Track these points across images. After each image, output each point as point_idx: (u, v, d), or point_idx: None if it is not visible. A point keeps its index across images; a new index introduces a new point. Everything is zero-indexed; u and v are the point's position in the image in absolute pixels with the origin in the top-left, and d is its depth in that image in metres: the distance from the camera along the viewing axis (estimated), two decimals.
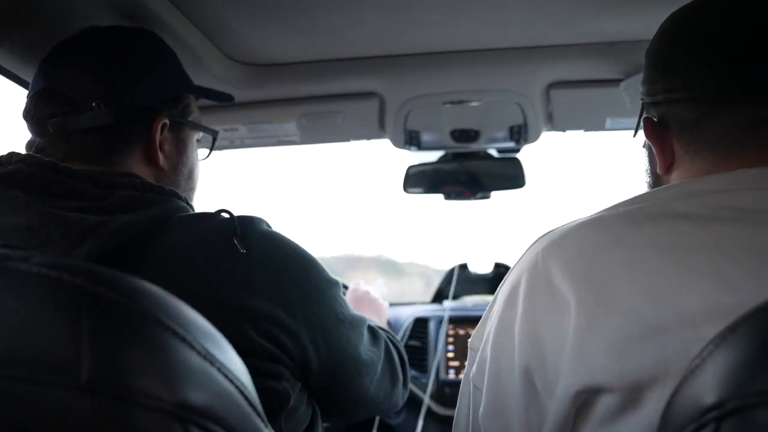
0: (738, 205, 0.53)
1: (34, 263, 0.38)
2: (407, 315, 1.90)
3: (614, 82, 1.27)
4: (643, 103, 0.71)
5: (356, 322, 0.83)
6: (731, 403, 0.34)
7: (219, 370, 0.41)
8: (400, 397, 0.98)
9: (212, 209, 0.74)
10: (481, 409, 0.63)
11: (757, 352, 0.34)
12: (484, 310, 1.89)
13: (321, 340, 0.75)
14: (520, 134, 1.48)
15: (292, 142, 1.54)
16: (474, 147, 1.59)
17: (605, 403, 0.51)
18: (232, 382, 0.42)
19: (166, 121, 0.82)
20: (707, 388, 0.36)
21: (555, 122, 1.44)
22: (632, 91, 1.26)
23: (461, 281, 2.07)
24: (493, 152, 1.67)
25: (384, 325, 1.29)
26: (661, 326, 0.48)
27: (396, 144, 1.52)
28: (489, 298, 2.06)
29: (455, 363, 1.75)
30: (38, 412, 0.35)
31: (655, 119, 0.67)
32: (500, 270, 2.09)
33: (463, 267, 2.08)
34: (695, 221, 0.53)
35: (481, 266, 2.09)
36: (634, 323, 0.50)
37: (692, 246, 0.51)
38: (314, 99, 1.37)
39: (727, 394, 0.34)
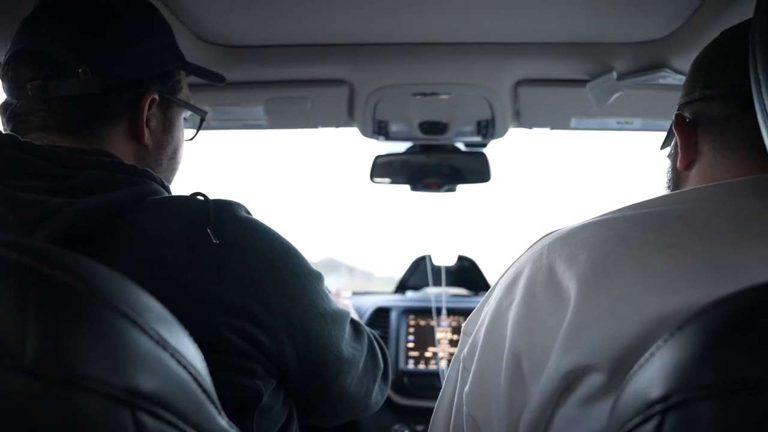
0: (740, 213, 0.55)
1: None
2: (369, 304, 1.91)
3: (581, 82, 1.29)
4: (678, 110, 0.72)
5: (339, 316, 0.78)
6: (676, 397, 0.35)
7: (172, 355, 0.40)
8: (382, 393, 0.93)
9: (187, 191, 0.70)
10: (467, 387, 0.65)
11: (702, 348, 0.35)
12: (446, 302, 1.90)
13: (300, 336, 0.71)
14: (488, 129, 1.49)
15: (260, 126, 1.52)
16: (442, 140, 1.60)
17: (590, 382, 0.52)
18: (185, 368, 0.41)
19: (156, 96, 0.76)
20: (654, 382, 0.37)
21: (522, 119, 1.45)
22: (598, 93, 1.28)
23: (424, 273, 2.09)
24: (461, 146, 1.68)
25: None
26: (656, 317, 0.49)
27: (364, 133, 1.51)
28: (451, 290, 2.09)
29: (415, 353, 1.76)
30: None
31: (688, 119, 0.68)
32: (463, 263, 2.11)
33: (426, 258, 2.10)
34: (696, 227, 0.55)
35: (445, 258, 2.11)
36: (630, 310, 0.51)
37: (691, 249, 0.53)
38: (283, 83, 1.36)
39: (672, 388, 0.35)
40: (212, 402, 0.44)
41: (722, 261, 0.51)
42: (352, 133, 1.55)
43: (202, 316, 0.62)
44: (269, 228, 0.72)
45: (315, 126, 1.53)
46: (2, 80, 0.72)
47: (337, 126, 1.53)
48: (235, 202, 0.70)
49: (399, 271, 2.16)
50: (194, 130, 0.92)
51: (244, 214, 0.70)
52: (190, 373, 0.41)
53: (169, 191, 0.73)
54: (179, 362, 0.40)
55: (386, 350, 0.95)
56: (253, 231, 0.69)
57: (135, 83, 0.74)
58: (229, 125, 1.50)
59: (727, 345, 0.35)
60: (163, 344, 0.40)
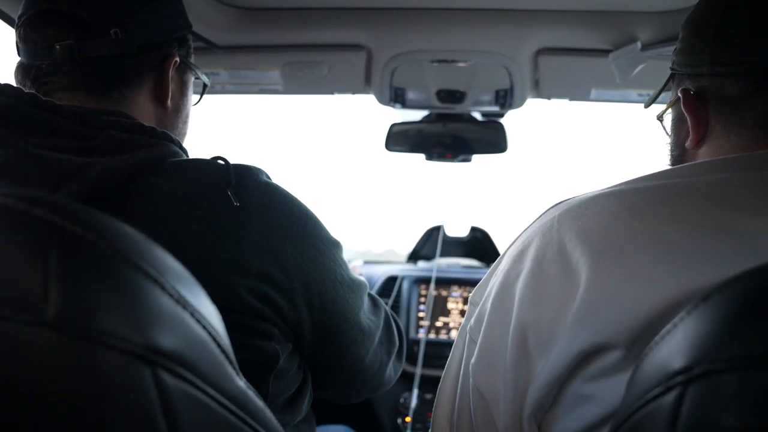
0: (759, 185, 0.53)
1: (0, 193, 0.37)
2: (380, 273, 1.92)
3: (603, 52, 1.26)
4: (673, 74, 0.70)
5: (357, 286, 0.78)
6: (699, 368, 0.35)
7: (192, 315, 0.40)
8: (395, 371, 0.91)
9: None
10: (473, 359, 0.65)
11: (726, 320, 0.35)
12: (457, 272, 1.90)
13: (317, 302, 0.71)
14: (506, 99, 1.47)
15: (276, 91, 1.51)
16: (459, 109, 1.58)
17: (606, 359, 0.52)
18: (204, 327, 0.41)
19: (177, 59, 0.77)
20: (676, 353, 0.37)
21: (541, 89, 1.43)
22: (621, 63, 1.25)
23: (436, 243, 2.09)
24: (478, 116, 1.66)
25: None
26: (677, 295, 0.48)
27: (381, 100, 1.49)
28: (463, 260, 2.10)
29: (425, 323, 1.77)
30: (2, 347, 0.34)
31: (692, 92, 0.65)
32: (476, 234, 2.11)
33: (439, 229, 2.09)
34: (716, 201, 0.53)
35: (458, 229, 2.10)
36: (649, 288, 0.50)
37: (712, 223, 0.51)
38: (300, 48, 1.34)
39: (694, 359, 0.35)
40: (230, 362, 0.44)
41: (746, 235, 0.49)
42: (368, 100, 1.54)
43: (221, 277, 0.62)
44: (289, 193, 0.71)
45: (331, 92, 1.52)
46: (22, 41, 0.71)
47: (354, 92, 1.51)
48: (255, 167, 0.70)
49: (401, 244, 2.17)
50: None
51: (264, 178, 0.70)
52: (209, 333, 0.42)
53: (186, 153, 0.73)
54: (198, 321, 0.41)
55: (401, 328, 0.94)
56: (273, 196, 0.69)
57: (162, 45, 0.75)
58: (245, 89, 1.49)
59: (752, 318, 0.34)
60: (183, 303, 0.40)
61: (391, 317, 0.91)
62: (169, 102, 0.77)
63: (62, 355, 0.34)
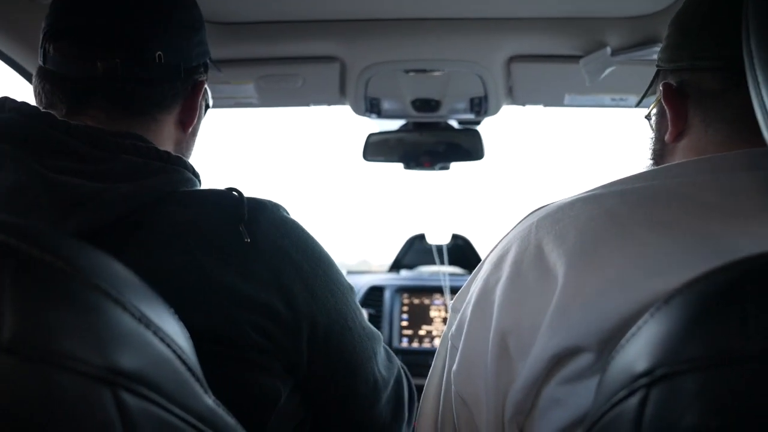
0: (735, 188, 0.54)
1: None
2: (363, 283, 1.91)
3: (574, 58, 1.28)
4: (658, 70, 0.70)
5: (368, 335, 0.75)
6: (660, 370, 0.35)
7: (155, 333, 0.40)
8: None
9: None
10: (454, 366, 0.64)
11: (685, 321, 0.35)
12: (440, 280, 1.89)
13: (322, 344, 0.68)
14: (481, 106, 1.48)
15: (251, 105, 1.51)
16: (435, 117, 1.59)
17: (578, 362, 0.52)
18: (168, 345, 0.41)
19: (206, 85, 0.78)
20: (639, 356, 0.37)
21: (515, 96, 1.44)
22: (591, 68, 1.26)
23: (418, 251, 2.09)
24: (454, 123, 1.67)
25: None
26: (647, 298, 0.48)
27: (357, 111, 1.50)
28: (445, 269, 2.10)
29: (408, 332, 1.77)
30: None
31: (674, 86, 0.66)
32: (458, 241, 2.11)
33: (421, 237, 2.10)
34: (689, 203, 0.54)
35: (439, 237, 2.11)
36: (620, 292, 0.50)
37: (683, 226, 0.52)
38: (274, 60, 1.34)
39: (657, 362, 0.35)
40: (197, 380, 0.44)
41: (714, 238, 0.50)
42: (344, 111, 1.54)
43: (226, 309, 0.60)
44: (305, 231, 0.70)
45: (307, 104, 1.52)
46: (57, 51, 0.68)
47: (329, 104, 1.51)
48: (271, 202, 0.68)
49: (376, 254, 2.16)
50: None
51: (280, 214, 0.69)
52: (174, 351, 0.41)
53: (199, 178, 0.71)
54: (162, 340, 0.40)
55: (414, 391, 0.87)
56: (287, 233, 0.67)
57: (195, 70, 0.76)
58: (220, 103, 1.49)
59: (712, 318, 0.34)
60: (146, 322, 0.39)
61: (404, 377, 0.86)
62: (190, 126, 0.77)
63: (18, 379, 0.33)
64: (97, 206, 0.57)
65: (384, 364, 0.79)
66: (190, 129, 0.78)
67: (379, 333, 0.80)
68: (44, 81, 0.69)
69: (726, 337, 0.33)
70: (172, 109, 0.74)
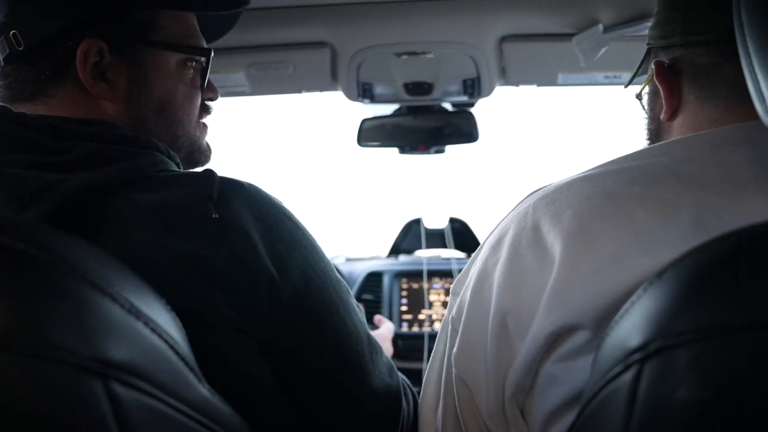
0: (731, 162, 0.54)
1: None
2: (361, 269, 1.91)
3: (566, 36, 1.26)
4: (649, 48, 0.70)
5: (364, 335, 0.70)
6: (654, 344, 0.35)
7: (146, 324, 0.40)
8: None
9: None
10: (455, 348, 0.65)
11: (680, 295, 0.35)
12: (438, 264, 1.89)
13: (300, 321, 0.63)
14: (474, 88, 1.47)
15: (242, 93, 1.49)
16: (428, 100, 1.58)
17: (574, 339, 0.52)
18: (160, 336, 0.41)
19: (103, 44, 0.66)
20: (633, 331, 0.37)
21: (508, 76, 1.43)
22: (584, 47, 1.25)
23: (416, 236, 2.09)
24: (448, 106, 1.66)
25: None
26: (642, 275, 0.48)
27: (349, 96, 1.49)
28: (443, 252, 2.10)
29: (408, 316, 1.77)
30: None
31: (666, 63, 0.65)
32: (455, 225, 2.11)
33: (418, 222, 2.09)
34: (686, 179, 0.54)
35: (436, 221, 2.10)
36: (616, 269, 0.50)
37: (679, 202, 0.52)
38: (264, 48, 1.32)
39: (650, 336, 0.35)
40: (191, 369, 0.44)
41: (711, 213, 0.50)
42: (337, 96, 1.53)
43: (195, 285, 0.57)
44: (285, 209, 0.66)
45: (299, 91, 1.51)
46: None
47: (322, 90, 1.50)
48: (250, 183, 0.65)
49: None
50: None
51: (258, 193, 0.65)
52: (166, 341, 0.41)
53: (175, 159, 0.68)
54: (153, 330, 0.40)
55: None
56: (262, 211, 0.63)
57: (64, 33, 0.65)
58: None
59: (704, 291, 0.34)
60: (136, 313, 0.39)
61: (407, 402, 0.77)
62: (102, 93, 0.67)
63: (9, 372, 0.33)
64: (54, 197, 0.55)
65: (382, 364, 0.73)
66: (116, 96, 0.68)
67: (379, 345, 0.74)
68: None
69: (718, 309, 0.33)
70: (63, 81, 0.66)
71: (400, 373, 0.77)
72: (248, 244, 0.60)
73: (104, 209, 0.58)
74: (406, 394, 0.77)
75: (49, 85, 0.66)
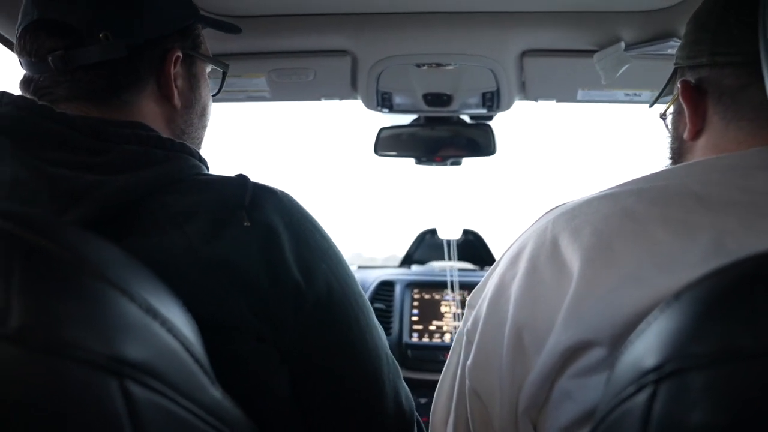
0: (752, 187, 0.53)
1: None
2: (374, 278, 1.91)
3: (588, 53, 1.26)
4: (676, 68, 0.70)
5: (383, 350, 0.70)
6: (669, 365, 0.34)
7: (162, 324, 0.40)
8: None
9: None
10: (469, 360, 0.65)
11: (697, 317, 0.35)
12: (450, 275, 1.88)
13: (316, 328, 0.63)
14: (493, 101, 1.46)
15: (263, 99, 1.51)
16: (447, 112, 1.58)
17: (590, 356, 0.52)
18: (175, 337, 0.41)
19: (180, 53, 0.73)
20: (649, 351, 0.37)
21: (527, 91, 1.43)
22: (605, 64, 1.25)
23: (429, 246, 2.09)
24: (466, 118, 1.66)
25: None
26: (660, 294, 0.48)
27: (368, 105, 1.49)
28: (457, 264, 2.10)
29: (419, 327, 1.77)
30: None
31: (692, 83, 0.65)
32: (469, 237, 2.10)
33: (432, 232, 2.09)
34: (707, 202, 0.53)
35: (450, 232, 2.10)
36: (634, 288, 0.50)
37: (699, 224, 0.52)
38: (285, 54, 1.33)
39: (666, 357, 0.35)
40: (205, 372, 0.44)
41: (731, 236, 0.50)
42: (356, 105, 1.53)
43: (221, 291, 0.58)
44: (314, 221, 0.68)
45: (318, 98, 1.51)
46: (20, 55, 0.68)
47: (341, 98, 1.51)
48: (282, 191, 0.66)
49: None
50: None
51: (289, 201, 0.66)
52: (181, 342, 0.41)
53: (206, 164, 0.70)
54: (169, 331, 0.40)
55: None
56: (293, 219, 0.64)
57: (157, 41, 0.71)
58: (232, 97, 1.49)
59: (721, 314, 0.34)
60: (153, 313, 0.39)
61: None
62: (176, 100, 0.73)
63: (25, 367, 0.34)
64: (95, 199, 0.56)
65: (401, 388, 0.73)
66: (180, 102, 0.74)
67: (398, 369, 0.74)
68: (21, 86, 0.70)
69: (735, 333, 0.32)
70: (144, 88, 0.71)
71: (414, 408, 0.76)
72: (278, 252, 0.61)
73: (137, 210, 0.59)
74: (419, 423, 0.77)
75: (131, 89, 0.70)
